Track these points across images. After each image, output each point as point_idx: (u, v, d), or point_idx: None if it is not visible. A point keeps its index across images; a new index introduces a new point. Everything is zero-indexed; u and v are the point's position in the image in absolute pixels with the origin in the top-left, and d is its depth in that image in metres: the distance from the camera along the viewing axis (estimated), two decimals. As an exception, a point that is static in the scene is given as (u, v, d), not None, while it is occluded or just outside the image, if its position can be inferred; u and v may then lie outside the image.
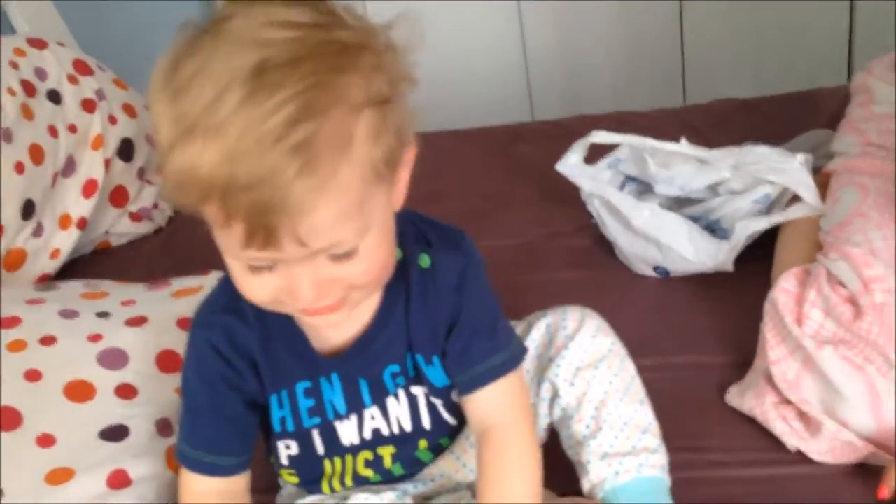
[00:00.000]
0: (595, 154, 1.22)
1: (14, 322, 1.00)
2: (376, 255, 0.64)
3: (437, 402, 0.79)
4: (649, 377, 0.88)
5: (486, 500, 0.72)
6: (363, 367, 0.75)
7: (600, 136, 1.10)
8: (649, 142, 1.08)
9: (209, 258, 1.15)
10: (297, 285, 0.62)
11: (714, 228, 1.11)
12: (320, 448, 0.78)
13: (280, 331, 0.73)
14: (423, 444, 0.80)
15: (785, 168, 1.04)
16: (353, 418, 0.77)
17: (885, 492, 0.77)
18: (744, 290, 1.06)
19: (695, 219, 1.12)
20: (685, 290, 1.09)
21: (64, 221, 1.38)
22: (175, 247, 1.47)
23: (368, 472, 0.80)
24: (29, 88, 1.39)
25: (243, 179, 0.55)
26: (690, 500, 0.81)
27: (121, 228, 1.48)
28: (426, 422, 0.79)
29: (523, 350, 0.79)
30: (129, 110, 1.51)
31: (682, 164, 1.11)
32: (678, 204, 1.15)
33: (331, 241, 0.60)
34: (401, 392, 0.78)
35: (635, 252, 1.11)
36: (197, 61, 0.57)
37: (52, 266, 1.36)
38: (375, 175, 0.61)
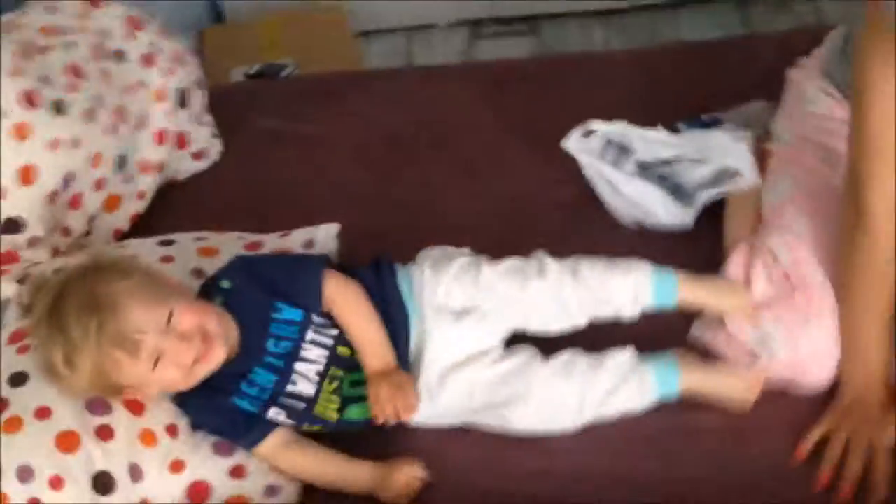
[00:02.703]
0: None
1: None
2: None
3: None
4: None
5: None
6: None
7: (597, 125, 1.44)
8: (639, 129, 1.43)
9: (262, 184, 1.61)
10: None
11: (676, 187, 1.48)
12: None
13: None
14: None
15: (734, 151, 1.40)
16: None
17: (801, 452, 1.12)
18: (699, 238, 1.43)
19: (664, 178, 1.48)
20: (657, 238, 1.45)
21: (145, 167, 1.65)
22: (230, 176, 1.76)
23: None
24: (98, 52, 1.61)
25: None
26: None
27: (185, 167, 1.75)
28: None
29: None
30: (178, 59, 1.74)
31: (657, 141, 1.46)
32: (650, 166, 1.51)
33: None
34: None
35: (621, 210, 1.47)
36: None
37: (141, 206, 1.64)
38: None
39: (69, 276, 1.16)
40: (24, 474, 1.09)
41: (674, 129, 1.49)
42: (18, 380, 1.18)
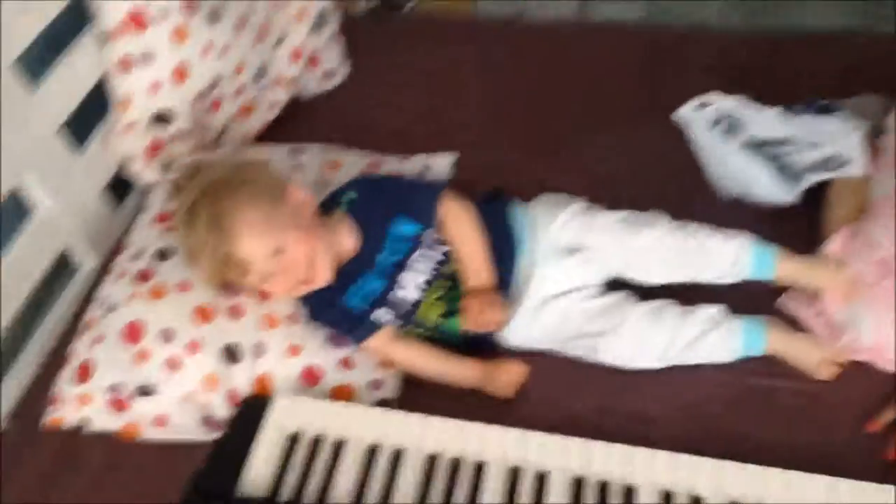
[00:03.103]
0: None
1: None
2: None
3: None
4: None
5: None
6: None
7: (714, 98, 1.50)
8: (756, 106, 1.48)
9: (381, 109, 1.75)
10: None
11: (783, 166, 1.54)
12: None
13: None
14: None
15: (847, 140, 1.46)
16: None
17: (872, 427, 1.18)
18: (794, 218, 1.48)
19: (771, 157, 1.55)
20: (754, 213, 1.50)
21: (279, 80, 1.77)
22: (352, 99, 1.88)
23: None
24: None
25: None
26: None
27: (313, 85, 1.86)
28: None
29: None
30: (320, -15, 1.84)
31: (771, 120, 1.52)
32: (759, 144, 1.57)
33: None
34: None
35: (723, 182, 1.54)
36: None
37: (270, 116, 1.77)
38: None
39: (211, 182, 1.26)
40: (166, 336, 1.24)
41: (788, 111, 1.55)
42: (164, 255, 1.33)
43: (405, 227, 1.33)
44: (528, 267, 1.34)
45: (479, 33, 2.06)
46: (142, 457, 1.24)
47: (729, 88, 1.70)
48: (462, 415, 1.17)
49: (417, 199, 1.34)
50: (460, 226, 1.33)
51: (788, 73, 1.84)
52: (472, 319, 1.28)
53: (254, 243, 1.22)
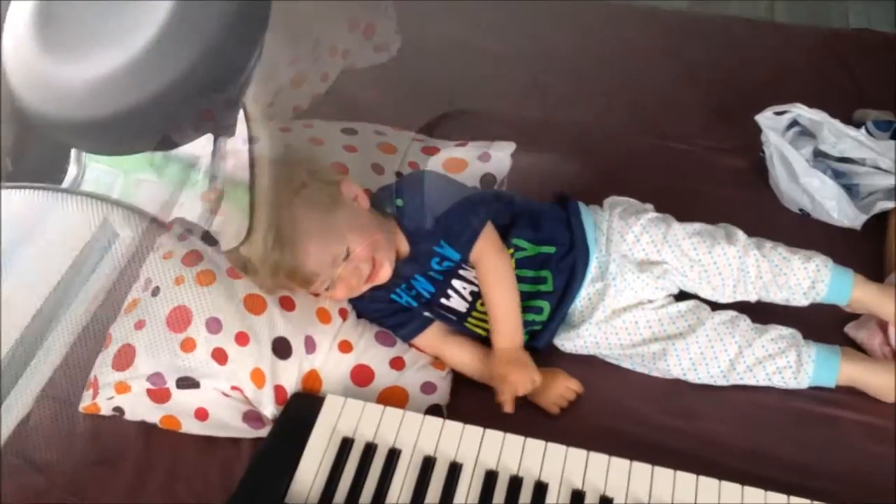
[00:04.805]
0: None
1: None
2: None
3: None
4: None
5: None
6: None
7: (798, 108, 1.43)
8: (838, 124, 1.41)
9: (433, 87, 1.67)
10: None
11: (850, 187, 1.48)
12: None
13: None
14: None
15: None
16: None
17: None
18: (862, 239, 1.44)
19: (840, 173, 1.48)
20: (818, 227, 1.47)
21: (333, 51, 1.70)
22: (402, 75, 1.80)
23: None
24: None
25: None
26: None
27: (365, 57, 1.79)
28: None
29: None
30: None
31: (851, 139, 1.45)
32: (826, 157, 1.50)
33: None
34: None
35: (791, 194, 1.48)
36: None
37: (322, 87, 1.70)
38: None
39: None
40: (213, 326, 1.18)
41: (858, 125, 1.48)
42: (212, 239, 1.25)
43: (449, 251, 1.26)
44: (598, 277, 1.28)
45: (546, 12, 1.97)
46: (182, 447, 1.20)
47: (793, 86, 1.64)
48: (512, 425, 1.12)
49: (456, 231, 1.24)
50: (494, 272, 1.23)
51: (853, 74, 1.78)
52: (513, 387, 1.18)
53: (319, 257, 1.16)
